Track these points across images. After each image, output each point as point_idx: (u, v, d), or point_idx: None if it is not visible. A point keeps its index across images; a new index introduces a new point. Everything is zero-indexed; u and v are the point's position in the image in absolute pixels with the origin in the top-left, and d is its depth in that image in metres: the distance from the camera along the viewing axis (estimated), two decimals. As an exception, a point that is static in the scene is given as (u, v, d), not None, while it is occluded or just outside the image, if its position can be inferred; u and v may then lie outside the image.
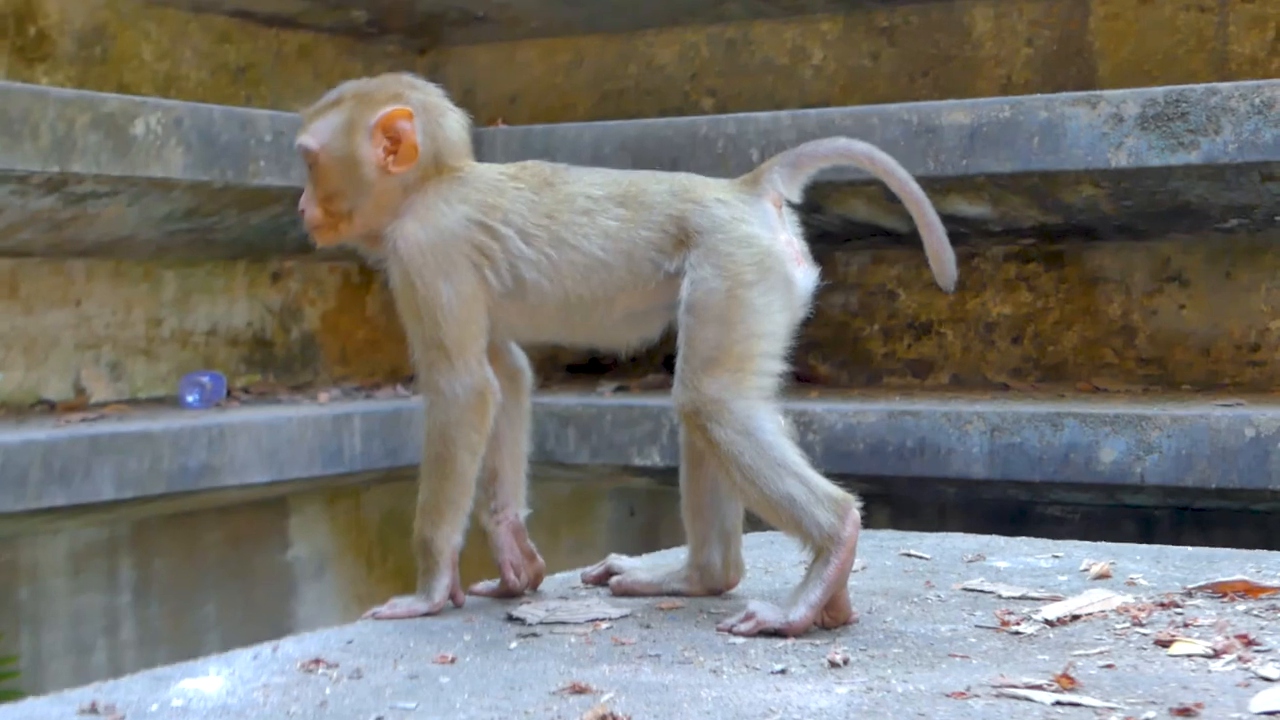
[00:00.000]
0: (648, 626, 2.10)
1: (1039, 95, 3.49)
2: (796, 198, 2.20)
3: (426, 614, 2.16)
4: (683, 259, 2.14)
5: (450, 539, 2.18)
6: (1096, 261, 4.02)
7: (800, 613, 2.04)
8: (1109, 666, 1.87)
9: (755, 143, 3.73)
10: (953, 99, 3.83)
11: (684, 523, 2.29)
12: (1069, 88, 4.02)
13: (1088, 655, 1.92)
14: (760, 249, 2.13)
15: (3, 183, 3.18)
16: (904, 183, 2.20)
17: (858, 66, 4.38)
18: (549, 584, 2.39)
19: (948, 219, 3.78)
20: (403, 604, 2.18)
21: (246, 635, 4.11)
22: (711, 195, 2.17)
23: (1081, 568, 2.46)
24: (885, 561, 2.59)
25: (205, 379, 3.83)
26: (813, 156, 2.21)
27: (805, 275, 2.17)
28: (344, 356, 4.62)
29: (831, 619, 2.07)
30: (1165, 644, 1.96)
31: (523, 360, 2.33)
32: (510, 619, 2.14)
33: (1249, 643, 1.94)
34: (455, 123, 2.26)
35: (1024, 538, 2.81)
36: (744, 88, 4.51)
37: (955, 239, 4.03)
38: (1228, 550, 2.63)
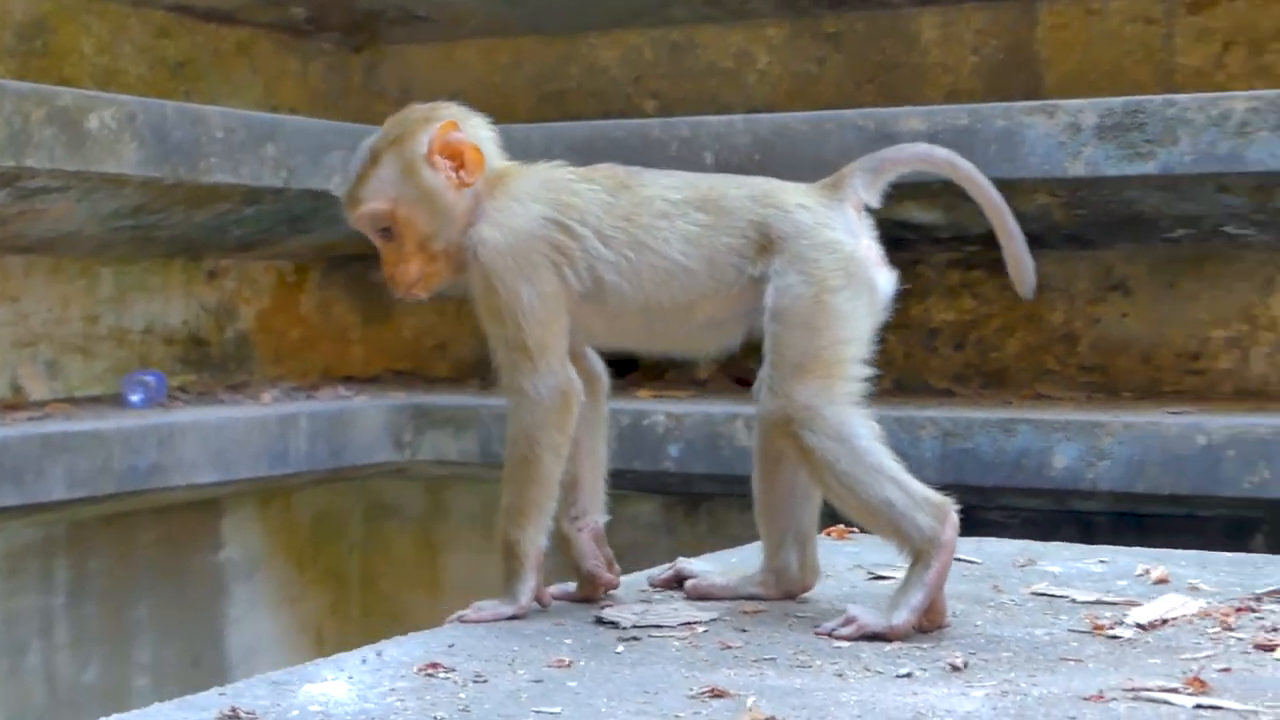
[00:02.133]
0: (743, 630, 2.09)
1: (996, 104, 3.52)
2: (876, 203, 2.19)
3: (512, 617, 2.14)
4: (766, 265, 2.12)
5: (535, 541, 2.15)
6: (1040, 269, 4.01)
7: (903, 616, 2.04)
8: (1225, 670, 1.88)
9: (708, 146, 3.73)
10: (901, 106, 3.85)
11: (759, 527, 2.27)
12: (1016, 97, 4.04)
13: (1196, 659, 1.94)
14: (845, 254, 2.12)
15: (-44, 176, 3.13)
16: (985, 190, 2.20)
17: (804, 72, 4.39)
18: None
19: (897, 225, 3.82)
20: (488, 607, 2.15)
21: (180, 636, 4.06)
22: (794, 200, 2.16)
23: (1137, 573, 2.48)
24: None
25: (149, 378, 3.77)
26: (894, 161, 2.21)
27: (887, 279, 2.16)
28: (278, 356, 4.57)
29: (930, 622, 2.08)
30: (1267, 648, 1.98)
31: (600, 365, 2.30)
32: (600, 622, 2.13)
33: None
34: (485, 124, 2.26)
35: (1058, 543, 2.84)
36: (688, 91, 4.51)
37: (899, 245, 4.04)
38: (1265, 556, 2.69)
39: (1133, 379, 3.96)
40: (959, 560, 2.61)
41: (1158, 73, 4.01)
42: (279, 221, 3.98)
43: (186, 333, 4.28)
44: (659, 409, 3.76)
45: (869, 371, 2.13)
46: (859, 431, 2.08)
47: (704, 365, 4.35)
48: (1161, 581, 2.40)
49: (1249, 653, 1.97)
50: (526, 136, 3.91)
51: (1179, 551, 2.73)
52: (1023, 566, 2.58)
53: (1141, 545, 2.88)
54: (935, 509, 2.05)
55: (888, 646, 2.00)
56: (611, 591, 2.30)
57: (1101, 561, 2.61)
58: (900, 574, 2.38)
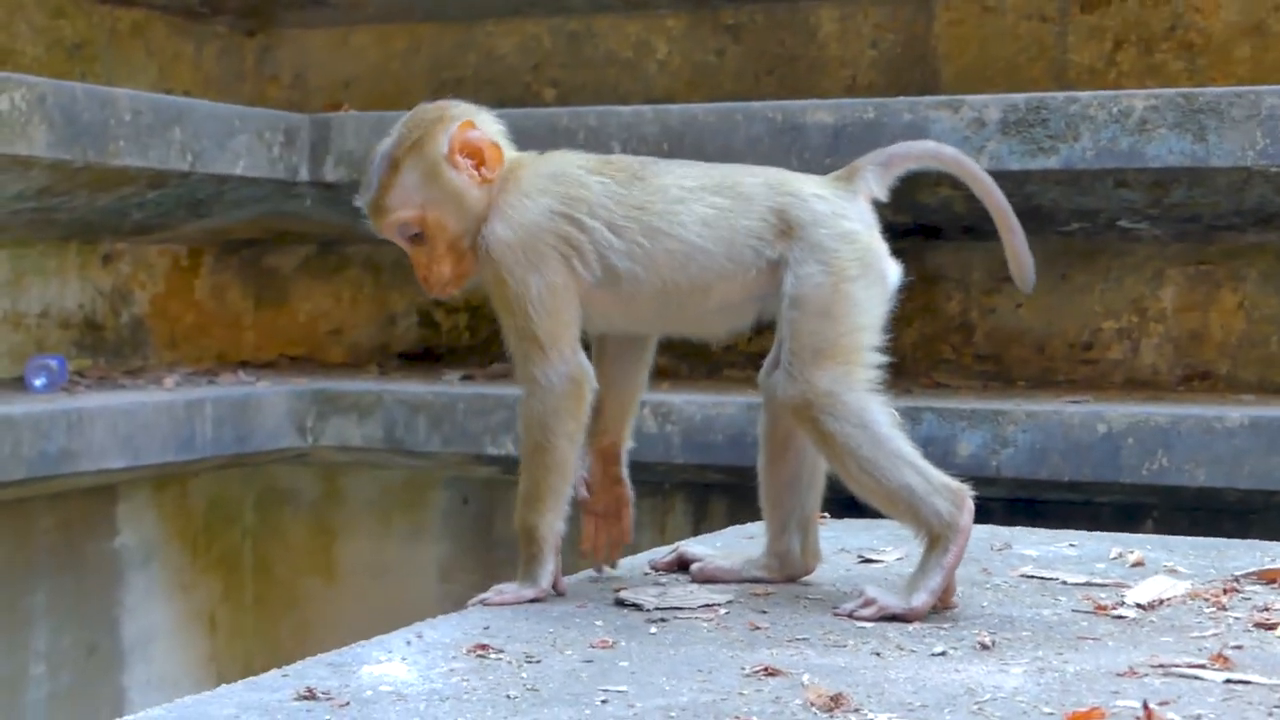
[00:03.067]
0: (763, 612, 2.14)
1: (902, 98, 3.58)
2: (885, 197, 2.25)
3: (533, 600, 2.17)
4: (785, 250, 2.17)
5: (553, 526, 2.17)
6: (936, 260, 4.13)
7: (922, 598, 2.09)
8: (1238, 647, 1.95)
9: (617, 136, 3.76)
10: (801, 99, 3.91)
11: (762, 510, 2.32)
12: (913, 91, 4.13)
13: (1205, 637, 2.02)
14: (862, 245, 2.18)
15: None
16: (989, 188, 2.26)
17: (703, 63, 4.44)
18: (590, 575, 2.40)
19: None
20: (509, 590, 2.18)
21: (76, 624, 4.03)
22: (809, 190, 2.21)
23: (1112, 556, 2.56)
24: (918, 549, 2.65)
25: (52, 362, 3.73)
26: (904, 157, 2.28)
27: (895, 271, 2.22)
28: (173, 341, 4.53)
29: (942, 603, 2.14)
30: (1268, 627, 2.06)
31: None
32: (622, 604, 2.17)
33: None
34: (493, 118, 2.28)
35: (1025, 528, 2.92)
36: (587, 80, 4.54)
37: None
38: (1226, 540, 2.77)
39: (1027, 369, 4.06)
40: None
41: (1052, 69, 4.10)
42: (180, 205, 3.96)
43: (82, 316, 4.24)
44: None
45: (883, 359, 2.20)
46: (878, 418, 2.14)
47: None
48: (1139, 565, 2.49)
49: (1250, 631, 2.06)
50: (433, 123, 3.92)
51: (1143, 536, 2.83)
52: (1000, 550, 2.65)
53: (1036, 528, 2.97)
54: (953, 495, 2.12)
55: (910, 626, 2.06)
56: (608, 569, 2.36)
57: (1072, 545, 2.69)
58: (886, 557, 2.47)
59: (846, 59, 4.31)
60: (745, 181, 2.23)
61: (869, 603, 2.11)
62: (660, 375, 4.24)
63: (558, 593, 2.22)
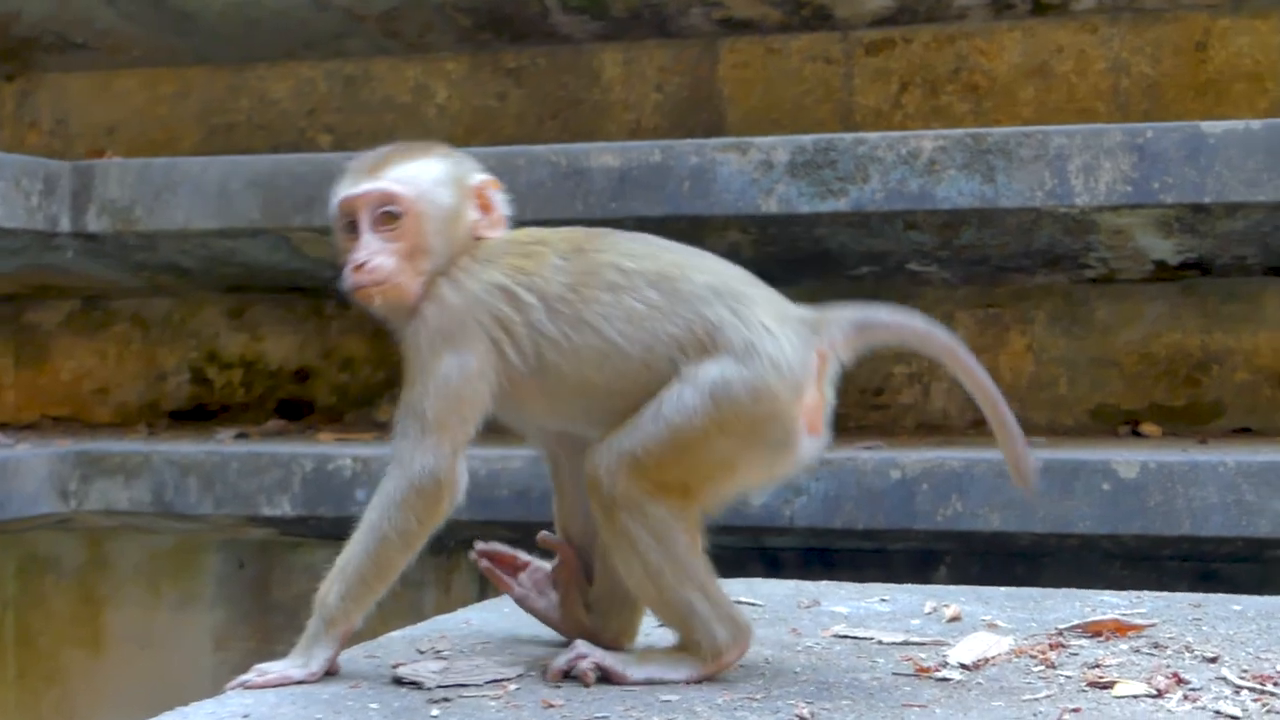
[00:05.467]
0: (558, 687, 1.98)
1: (689, 140, 3.50)
2: (847, 360, 2.02)
3: (300, 682, 1.98)
4: (697, 364, 1.95)
5: (351, 615, 1.99)
6: (725, 307, 4.05)
7: (647, 673, 1.98)
8: (1075, 710, 1.86)
9: (395, 181, 3.62)
10: (585, 142, 3.81)
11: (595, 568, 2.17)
12: (699, 134, 4.06)
13: (1039, 699, 1.91)
14: (769, 410, 1.95)
15: None
16: (981, 383, 2.00)
17: (484, 107, 4.32)
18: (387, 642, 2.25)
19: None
20: (275, 670, 1.99)
21: None
22: (759, 317, 1.97)
23: (926, 611, 2.45)
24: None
25: None
26: (882, 328, 2.03)
27: (812, 444, 1.99)
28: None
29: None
30: (1103, 686, 1.97)
31: None
32: (400, 682, 1.99)
33: (1180, 680, 1.98)
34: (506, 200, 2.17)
35: (831, 581, 2.81)
36: (364, 125, 4.40)
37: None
38: (1040, 590, 2.69)
39: (818, 415, 3.98)
40: (740, 602, 2.56)
41: (838, 111, 4.06)
42: (-71, 258, 3.74)
43: None
44: (345, 453, 3.62)
45: (726, 503, 2.02)
46: (679, 538, 1.95)
47: (384, 406, 4.24)
48: (956, 619, 2.40)
49: (1085, 691, 1.97)
50: (203, 170, 3.75)
51: (956, 587, 2.74)
52: (808, 608, 2.54)
53: (829, 579, 2.89)
54: (736, 630, 1.99)
55: (720, 698, 1.92)
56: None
57: (883, 600, 2.59)
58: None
59: (631, 102, 4.22)
60: (691, 278, 1.99)
61: (582, 656, 1.99)
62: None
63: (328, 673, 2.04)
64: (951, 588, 2.75)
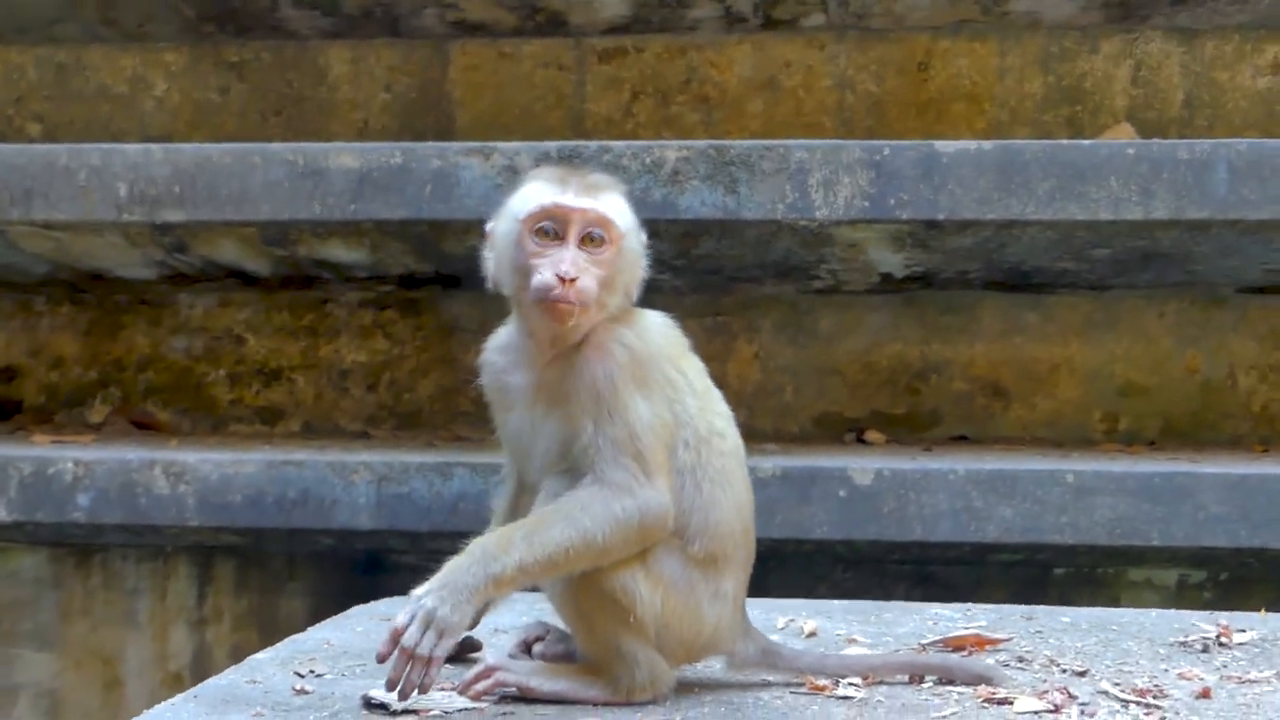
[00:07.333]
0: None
1: (431, 143, 3.47)
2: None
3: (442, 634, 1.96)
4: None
5: (511, 587, 2.00)
6: (454, 310, 4.04)
7: (550, 688, 2.04)
8: None
9: (123, 177, 3.50)
10: (315, 141, 3.75)
11: None
12: (428, 136, 4.03)
13: (946, 717, 1.95)
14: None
15: None
16: None
17: (205, 100, 4.21)
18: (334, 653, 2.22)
19: (317, 264, 3.71)
20: (423, 607, 1.98)
21: None
22: None
23: (780, 625, 2.46)
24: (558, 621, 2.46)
25: None
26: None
27: None
28: None
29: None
30: (1000, 702, 2.00)
31: None
32: (369, 705, 1.98)
33: (1070, 695, 2.03)
34: None
35: None
36: (77, 115, 4.24)
37: (309, 284, 3.95)
38: (875, 602, 2.74)
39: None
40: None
41: (569, 118, 4.07)
42: None
43: None
44: (65, 455, 3.49)
45: None
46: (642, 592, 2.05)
47: (97, 407, 4.10)
48: (814, 635, 2.43)
49: (987, 708, 2.01)
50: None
51: (798, 601, 2.76)
52: None
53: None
54: (656, 676, 2.04)
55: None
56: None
57: None
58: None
59: (358, 101, 4.17)
60: None
61: (489, 672, 2.03)
62: (166, 431, 3.99)
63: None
64: (794, 601, 2.78)
